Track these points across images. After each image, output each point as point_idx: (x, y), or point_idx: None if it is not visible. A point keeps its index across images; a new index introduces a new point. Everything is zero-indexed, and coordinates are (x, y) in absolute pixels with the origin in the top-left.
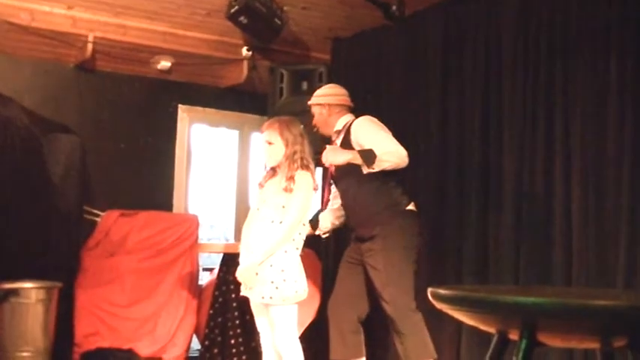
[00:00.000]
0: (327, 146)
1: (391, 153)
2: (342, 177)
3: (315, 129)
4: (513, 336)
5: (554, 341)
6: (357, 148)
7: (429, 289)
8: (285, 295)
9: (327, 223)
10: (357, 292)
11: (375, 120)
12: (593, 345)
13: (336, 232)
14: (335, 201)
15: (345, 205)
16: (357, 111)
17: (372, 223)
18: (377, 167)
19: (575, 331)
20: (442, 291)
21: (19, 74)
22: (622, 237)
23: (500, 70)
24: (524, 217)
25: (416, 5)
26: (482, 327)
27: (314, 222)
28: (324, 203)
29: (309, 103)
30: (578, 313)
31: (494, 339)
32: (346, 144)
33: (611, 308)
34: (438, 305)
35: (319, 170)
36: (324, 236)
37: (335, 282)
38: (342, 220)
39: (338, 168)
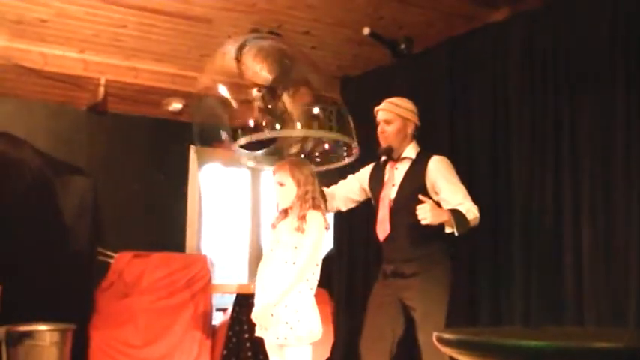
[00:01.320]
0: (428, 203)
1: (476, 219)
2: (402, 210)
3: (385, 135)
4: None
5: None
6: (429, 186)
7: (434, 334)
8: (299, 335)
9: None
10: (390, 328)
11: (451, 165)
12: None
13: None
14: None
15: (393, 236)
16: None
17: (416, 262)
18: (462, 232)
19: None
20: (446, 335)
21: (32, 117)
22: (633, 272)
23: (507, 107)
24: (534, 254)
25: (423, 43)
26: None
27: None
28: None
29: (392, 110)
30: (579, 357)
31: None
32: (414, 176)
33: (611, 350)
34: (443, 349)
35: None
36: None
37: (366, 319)
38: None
39: (400, 199)
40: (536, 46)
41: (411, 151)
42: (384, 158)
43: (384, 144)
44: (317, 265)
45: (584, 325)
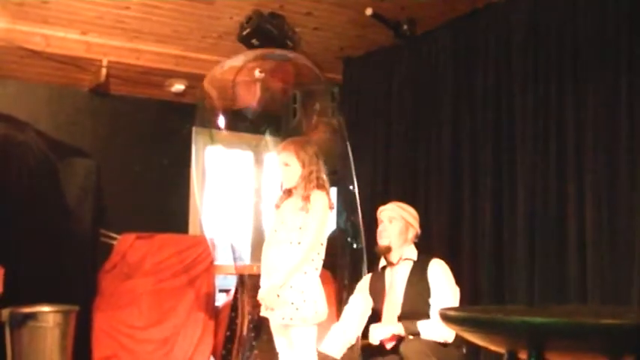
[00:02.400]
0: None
1: (439, 335)
2: (411, 315)
3: (381, 236)
4: (523, 355)
5: (561, 359)
6: (431, 285)
7: (439, 310)
8: (305, 315)
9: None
10: None
11: (449, 270)
12: None
13: (351, 254)
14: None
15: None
16: (369, 131)
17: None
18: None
19: (583, 350)
20: (452, 312)
21: (34, 99)
22: (636, 254)
23: (511, 88)
24: (537, 238)
25: (426, 24)
26: (492, 347)
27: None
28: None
29: (397, 212)
30: (585, 333)
31: (505, 358)
32: (420, 278)
33: (617, 326)
34: (448, 326)
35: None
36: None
37: None
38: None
39: (408, 303)
40: (539, 26)
41: (411, 252)
42: (382, 265)
43: (382, 241)
44: (322, 244)
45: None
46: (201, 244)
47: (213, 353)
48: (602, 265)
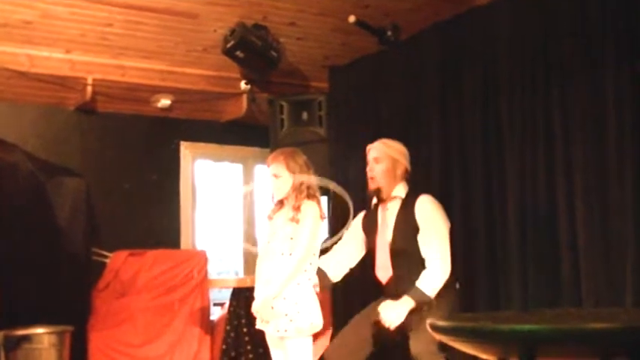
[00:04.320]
0: (385, 308)
1: (441, 279)
2: (402, 252)
3: (372, 177)
4: None
5: None
6: (418, 225)
7: (428, 322)
8: (299, 327)
9: (339, 272)
10: (361, 342)
11: (440, 206)
12: None
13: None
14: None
15: (396, 278)
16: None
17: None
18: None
19: (573, 355)
20: (441, 323)
21: (21, 120)
22: (629, 253)
23: (498, 91)
24: (529, 238)
25: (411, 29)
26: (483, 355)
27: (326, 280)
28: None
29: (384, 149)
30: (574, 338)
31: None
32: (406, 216)
33: (606, 331)
34: (438, 337)
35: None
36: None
37: (347, 325)
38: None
39: (397, 239)
40: (523, 27)
41: (400, 190)
42: (374, 201)
43: (372, 185)
44: (314, 255)
45: (582, 306)
46: (194, 258)
47: None
48: (595, 265)
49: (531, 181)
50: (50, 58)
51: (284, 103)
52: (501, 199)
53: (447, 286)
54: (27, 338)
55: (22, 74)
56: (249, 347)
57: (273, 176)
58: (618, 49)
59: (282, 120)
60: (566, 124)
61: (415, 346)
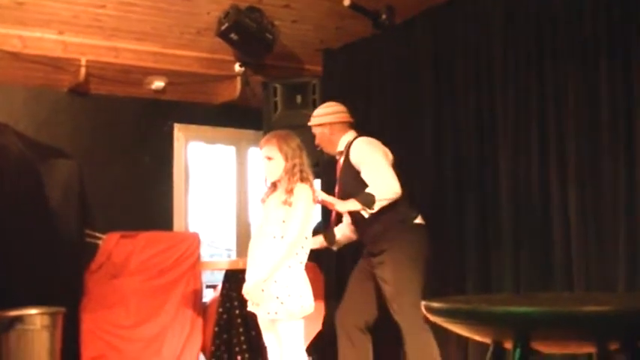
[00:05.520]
0: (320, 198)
1: (387, 191)
2: (348, 198)
3: (319, 149)
4: (508, 345)
5: (548, 348)
6: (358, 169)
7: (422, 303)
8: (290, 310)
9: (343, 236)
10: (365, 300)
11: (373, 142)
12: (589, 350)
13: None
14: (346, 216)
15: (354, 223)
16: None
17: (381, 240)
18: (376, 208)
19: (568, 338)
20: (435, 304)
21: (13, 101)
22: (621, 235)
23: (492, 75)
24: (522, 221)
25: (405, 13)
26: (477, 337)
27: (330, 235)
28: (335, 218)
29: (310, 124)
30: (568, 321)
31: (490, 349)
32: (348, 164)
33: (601, 314)
34: (432, 318)
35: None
36: (335, 247)
37: (344, 292)
38: (356, 233)
39: (342, 189)
40: (518, 13)
41: (343, 143)
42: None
43: (326, 151)
44: (306, 238)
45: (573, 291)
46: (187, 240)
47: (203, 350)
48: (587, 250)
49: (524, 165)
50: (43, 39)
51: (278, 86)
52: (494, 181)
53: (405, 221)
54: (19, 319)
55: (15, 55)
56: (241, 330)
57: (266, 159)
58: (612, 38)
59: (275, 103)
60: (559, 107)
61: (398, 317)
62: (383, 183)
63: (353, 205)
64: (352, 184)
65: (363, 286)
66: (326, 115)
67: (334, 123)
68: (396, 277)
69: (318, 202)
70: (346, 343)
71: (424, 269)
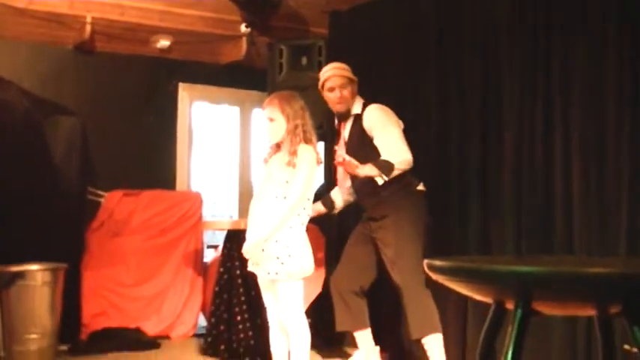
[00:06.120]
0: (347, 159)
1: (403, 161)
2: (348, 127)
3: (339, 105)
4: (510, 305)
5: (549, 310)
6: (370, 135)
7: (425, 261)
8: (290, 270)
9: (340, 201)
10: (361, 265)
11: (388, 110)
12: (589, 313)
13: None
14: (347, 180)
15: (356, 188)
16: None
17: (383, 205)
18: (391, 177)
19: (570, 300)
20: (438, 262)
21: (18, 57)
22: (623, 203)
23: (497, 41)
24: (524, 187)
25: None
26: (479, 297)
27: (328, 202)
28: (335, 181)
29: (341, 74)
30: (572, 282)
31: (492, 309)
32: (358, 129)
33: (603, 276)
34: (435, 277)
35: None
36: (335, 212)
37: (340, 257)
38: (354, 196)
39: (350, 153)
40: None
41: (357, 107)
42: (336, 122)
43: (341, 108)
44: (309, 200)
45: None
46: (189, 200)
47: (202, 309)
48: (589, 217)
49: (529, 134)
50: None
51: (283, 47)
52: (498, 150)
53: (409, 187)
54: (20, 275)
55: (20, 11)
56: (241, 290)
57: (268, 119)
58: (620, 4)
59: (280, 64)
60: (565, 76)
61: (397, 275)
62: (399, 152)
63: (370, 169)
64: (362, 149)
65: (359, 250)
66: (350, 72)
67: (357, 82)
68: (398, 241)
69: (340, 163)
70: (342, 306)
71: (424, 234)
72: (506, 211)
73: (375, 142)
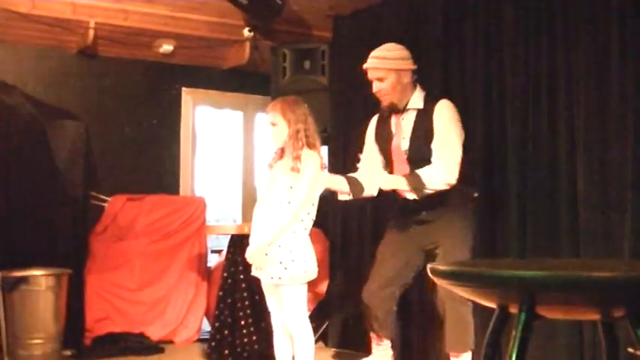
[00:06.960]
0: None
1: (442, 179)
2: (420, 161)
3: (387, 95)
4: (514, 310)
5: (553, 314)
6: (435, 129)
7: (428, 266)
8: (293, 275)
9: (368, 190)
10: (395, 274)
11: (455, 112)
12: (593, 317)
13: (343, 209)
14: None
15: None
16: (359, 89)
17: (442, 207)
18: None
19: (573, 304)
20: (441, 267)
21: (22, 62)
22: (627, 204)
23: (501, 41)
24: (529, 188)
25: None
26: (483, 302)
27: (357, 185)
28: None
29: (377, 65)
30: (575, 286)
31: (495, 313)
32: (423, 125)
33: (607, 280)
34: (438, 281)
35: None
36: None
37: (374, 263)
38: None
39: (415, 150)
40: None
41: (417, 100)
42: (385, 114)
43: (386, 101)
44: (312, 205)
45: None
46: (192, 204)
47: (206, 314)
48: (595, 218)
49: (533, 133)
50: (52, 1)
51: (287, 51)
52: (502, 149)
53: (463, 197)
54: (25, 280)
55: (24, 16)
56: (245, 294)
57: (271, 124)
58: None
59: (284, 68)
60: (569, 74)
61: (443, 291)
62: (448, 166)
63: (399, 183)
64: (426, 147)
65: (396, 259)
66: (406, 58)
67: (409, 68)
68: (449, 248)
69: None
70: (375, 321)
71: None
72: (510, 212)
73: (436, 141)
